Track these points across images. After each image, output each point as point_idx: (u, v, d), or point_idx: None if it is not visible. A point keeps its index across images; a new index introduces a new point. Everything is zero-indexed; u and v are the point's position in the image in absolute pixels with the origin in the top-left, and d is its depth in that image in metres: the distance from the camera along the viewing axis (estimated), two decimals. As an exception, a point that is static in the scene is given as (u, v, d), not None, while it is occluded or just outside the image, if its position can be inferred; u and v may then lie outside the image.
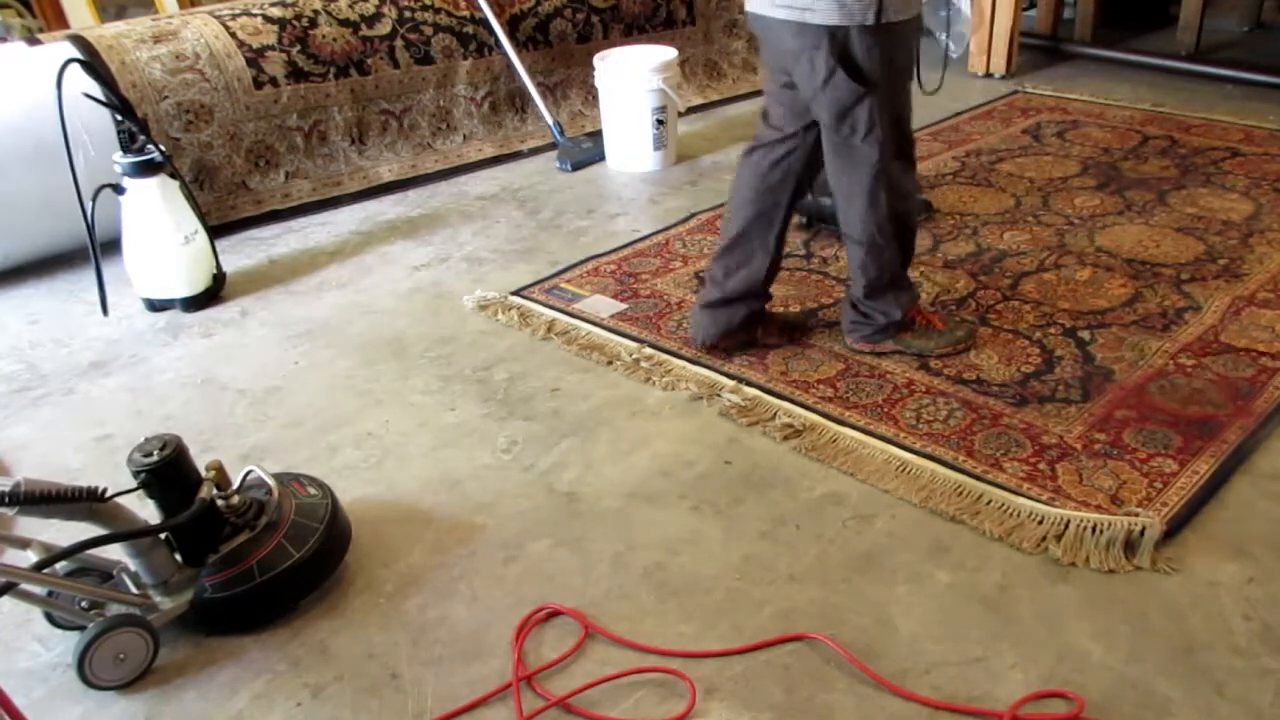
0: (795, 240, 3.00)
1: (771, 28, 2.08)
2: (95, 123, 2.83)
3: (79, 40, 3.16)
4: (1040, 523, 1.82)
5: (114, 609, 1.65)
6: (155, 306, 2.82)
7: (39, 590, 1.64)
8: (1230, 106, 3.97)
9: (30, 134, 2.86)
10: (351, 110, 3.58)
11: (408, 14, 3.70)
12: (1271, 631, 1.58)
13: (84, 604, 1.66)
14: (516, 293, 2.79)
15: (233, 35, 3.37)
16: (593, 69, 3.69)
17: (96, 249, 2.58)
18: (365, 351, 2.56)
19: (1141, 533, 1.75)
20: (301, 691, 1.59)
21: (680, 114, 3.82)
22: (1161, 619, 1.62)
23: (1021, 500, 1.87)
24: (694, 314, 2.43)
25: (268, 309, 2.81)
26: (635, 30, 4.25)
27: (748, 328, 2.39)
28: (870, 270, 2.24)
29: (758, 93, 4.48)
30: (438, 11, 3.77)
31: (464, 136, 3.85)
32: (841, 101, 2.06)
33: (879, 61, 2.01)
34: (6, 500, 1.50)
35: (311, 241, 3.24)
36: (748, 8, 2.14)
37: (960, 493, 1.90)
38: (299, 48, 3.46)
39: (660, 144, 3.64)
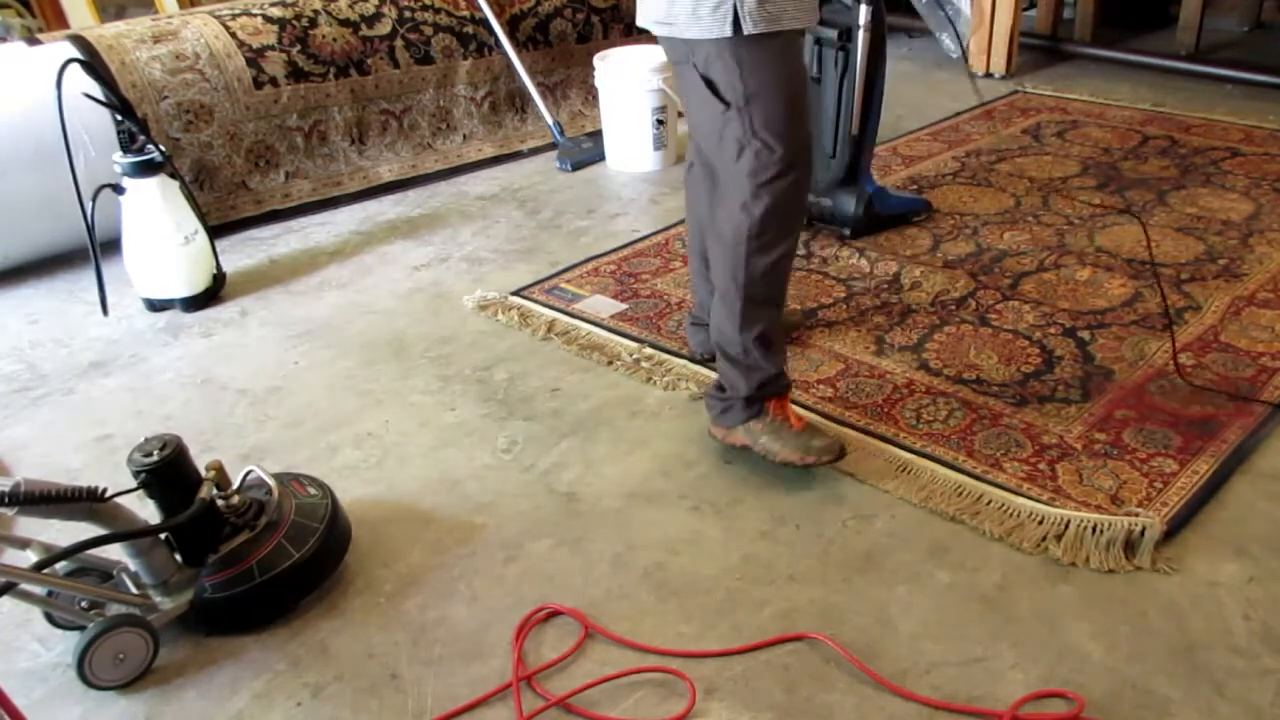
0: (795, 240, 3.00)
1: (661, 43, 1.98)
2: (95, 123, 2.83)
3: (79, 40, 3.16)
4: (1040, 523, 1.82)
5: (114, 609, 1.65)
6: (155, 306, 2.82)
7: (39, 590, 1.64)
8: (1230, 106, 3.97)
9: (30, 134, 2.86)
10: (351, 110, 3.58)
11: (408, 14, 3.70)
12: (1271, 631, 1.58)
13: (84, 604, 1.66)
14: (516, 293, 2.79)
15: (233, 35, 3.37)
16: (593, 69, 3.69)
17: (96, 249, 2.58)
18: (365, 351, 2.56)
19: (1142, 533, 1.75)
20: (301, 691, 1.59)
21: (680, 114, 3.82)
22: (1161, 619, 1.62)
23: (1021, 500, 1.87)
24: (686, 327, 2.41)
25: (268, 309, 2.81)
26: (635, 30, 4.24)
27: None
28: (718, 335, 1.98)
29: (758, 93, 4.48)
30: (438, 11, 3.77)
31: (464, 136, 3.85)
32: (711, 121, 1.86)
33: (742, 78, 1.78)
34: (6, 500, 1.50)
35: (311, 241, 3.24)
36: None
37: (960, 493, 1.91)
38: (299, 48, 3.46)
39: (660, 144, 3.64)
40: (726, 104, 1.80)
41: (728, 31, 1.73)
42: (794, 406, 2.04)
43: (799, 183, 1.87)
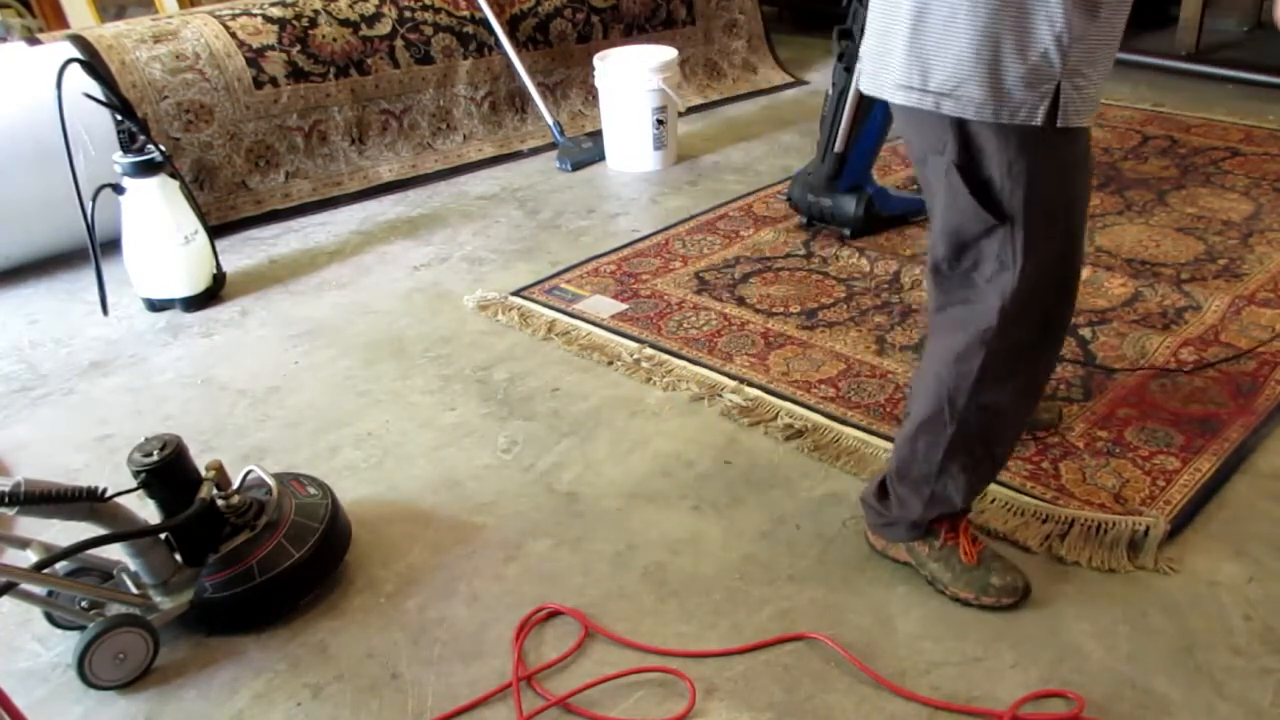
0: (795, 240, 3.00)
1: (898, 114, 1.52)
2: (95, 123, 2.83)
3: (79, 40, 3.16)
4: (1044, 521, 1.81)
5: (114, 609, 1.65)
6: (155, 306, 2.82)
7: (39, 590, 1.64)
8: (1230, 106, 3.97)
9: (30, 134, 2.85)
10: (351, 110, 3.58)
11: (408, 14, 3.70)
12: (1271, 631, 1.58)
13: (84, 604, 1.66)
14: (516, 293, 2.79)
15: (233, 35, 3.37)
16: (593, 69, 3.69)
17: (96, 249, 2.58)
18: (365, 351, 2.56)
19: (1145, 532, 1.75)
20: (301, 691, 1.59)
21: (680, 114, 3.82)
22: (1161, 619, 1.62)
23: (1025, 499, 1.87)
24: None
25: (268, 309, 2.81)
26: (635, 30, 4.25)
27: None
28: (908, 450, 1.65)
29: (758, 93, 4.49)
30: (438, 11, 3.77)
31: (464, 136, 3.85)
32: (962, 234, 1.48)
33: (1030, 182, 1.39)
34: (6, 500, 1.50)
35: (311, 241, 3.24)
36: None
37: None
38: (299, 48, 3.46)
39: (660, 144, 3.64)
40: (1002, 216, 1.44)
41: (1039, 118, 1.34)
42: (968, 527, 1.71)
43: (1060, 336, 1.59)
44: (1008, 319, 1.48)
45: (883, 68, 1.44)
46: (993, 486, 1.89)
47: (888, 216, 2.98)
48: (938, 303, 1.58)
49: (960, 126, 1.39)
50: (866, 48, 1.49)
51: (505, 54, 3.86)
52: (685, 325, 2.56)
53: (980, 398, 1.54)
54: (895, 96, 1.44)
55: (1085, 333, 2.41)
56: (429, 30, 3.74)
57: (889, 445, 2.04)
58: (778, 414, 2.17)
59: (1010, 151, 1.38)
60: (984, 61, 1.33)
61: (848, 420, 2.14)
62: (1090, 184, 1.50)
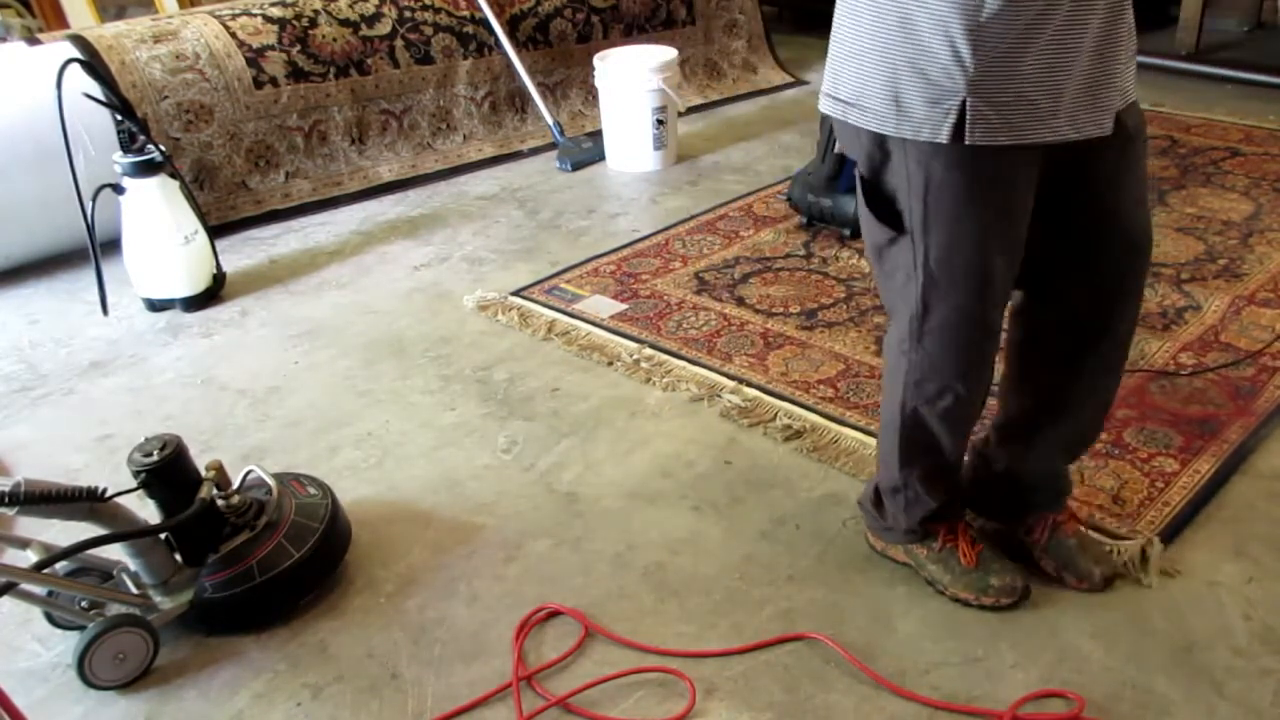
0: (795, 241, 3.00)
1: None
2: (95, 123, 2.83)
3: (79, 40, 3.16)
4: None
5: (114, 609, 1.65)
6: (155, 306, 2.82)
7: (39, 590, 1.64)
8: (1230, 106, 3.97)
9: (30, 134, 2.85)
10: (351, 110, 3.58)
11: (408, 14, 3.70)
12: (1271, 631, 1.58)
13: (84, 604, 1.66)
14: (516, 293, 2.79)
15: (233, 35, 3.37)
16: (593, 69, 3.69)
17: (96, 249, 2.58)
18: (365, 351, 2.56)
19: (1143, 554, 1.72)
20: (301, 691, 1.59)
21: (680, 114, 3.82)
22: (1161, 619, 1.62)
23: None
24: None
25: (268, 309, 2.81)
26: (635, 30, 4.25)
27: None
28: (880, 457, 1.70)
29: (758, 93, 4.49)
30: (438, 11, 3.77)
31: (464, 136, 3.85)
32: (873, 239, 1.50)
33: (930, 199, 1.37)
34: (6, 500, 1.50)
35: (311, 241, 3.24)
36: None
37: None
38: (299, 48, 3.46)
39: (660, 144, 3.64)
40: (900, 229, 1.44)
41: (943, 135, 1.32)
42: (966, 528, 1.72)
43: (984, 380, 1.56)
44: (917, 332, 1.48)
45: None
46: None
47: (888, 216, 2.98)
48: (885, 306, 1.58)
49: (868, 136, 1.39)
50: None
51: (505, 54, 3.86)
52: (685, 325, 2.57)
53: (914, 413, 1.56)
54: (821, 103, 1.47)
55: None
56: (429, 30, 3.74)
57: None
58: (776, 414, 2.17)
59: (910, 165, 1.36)
60: (883, 75, 1.33)
61: (846, 421, 2.14)
62: (1023, 208, 1.41)
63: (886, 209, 1.43)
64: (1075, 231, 1.47)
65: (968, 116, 1.29)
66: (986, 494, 1.76)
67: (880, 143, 1.39)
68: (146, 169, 2.64)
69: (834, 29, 1.43)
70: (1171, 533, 1.78)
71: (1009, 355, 1.65)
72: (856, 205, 1.50)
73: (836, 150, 2.86)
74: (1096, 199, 1.45)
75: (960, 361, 1.51)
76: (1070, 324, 1.54)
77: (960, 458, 1.67)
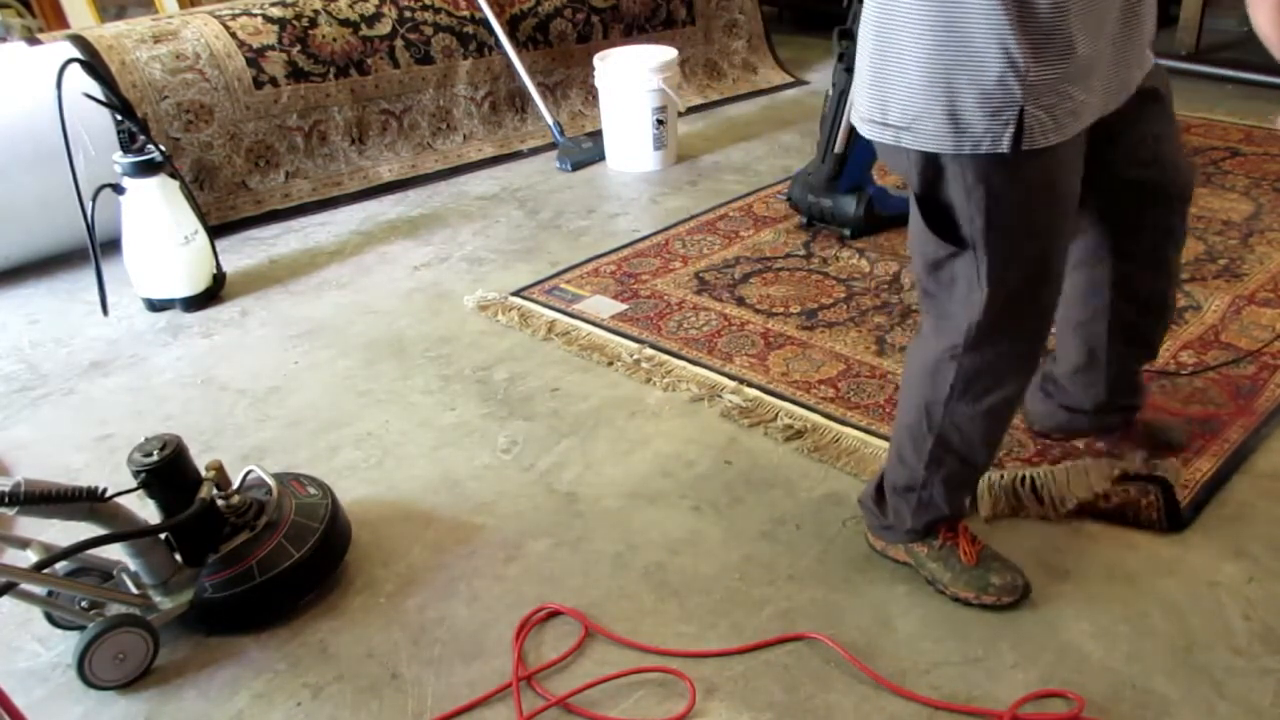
0: (795, 241, 3.00)
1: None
2: (95, 123, 2.83)
3: (79, 40, 3.16)
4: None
5: (114, 609, 1.65)
6: (155, 306, 2.82)
7: (39, 590, 1.64)
8: (1230, 106, 3.97)
9: (30, 134, 2.86)
10: (351, 110, 3.58)
11: (408, 14, 3.70)
12: (1271, 631, 1.58)
13: (84, 604, 1.66)
14: (516, 293, 2.79)
15: (233, 35, 3.37)
16: (593, 69, 3.69)
17: (96, 249, 2.58)
18: (365, 351, 2.56)
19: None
20: (301, 691, 1.59)
21: (680, 114, 3.82)
22: (1161, 619, 1.62)
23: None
24: (1029, 394, 1.91)
25: (268, 309, 2.81)
26: (635, 30, 4.25)
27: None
28: (895, 457, 1.69)
29: (758, 93, 4.49)
30: (438, 11, 3.77)
31: (464, 136, 3.85)
32: (928, 255, 1.49)
33: (991, 209, 1.38)
34: (6, 500, 1.50)
35: (311, 241, 3.24)
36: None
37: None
38: (299, 48, 3.46)
39: (660, 144, 3.64)
40: (962, 244, 1.44)
41: (1004, 146, 1.32)
42: (966, 528, 1.72)
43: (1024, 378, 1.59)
44: (975, 339, 1.48)
45: (857, 101, 1.46)
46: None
47: (888, 216, 2.98)
48: (923, 310, 1.59)
49: (922, 157, 1.38)
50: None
51: (505, 54, 3.86)
52: (685, 325, 2.57)
53: (953, 414, 1.56)
54: (863, 130, 1.46)
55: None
56: (429, 30, 3.74)
57: (888, 446, 2.03)
58: (777, 414, 2.17)
59: (969, 179, 1.36)
60: (938, 94, 1.31)
61: (847, 421, 2.14)
62: (1074, 193, 1.46)
63: (943, 224, 1.43)
64: (1133, 184, 1.61)
65: (1025, 123, 1.30)
66: (1077, 426, 1.93)
67: (934, 160, 1.38)
68: (146, 169, 2.64)
69: (869, 50, 1.39)
70: (1171, 531, 1.77)
71: (1100, 293, 1.73)
72: (909, 221, 1.49)
73: (837, 151, 2.86)
74: (1145, 151, 1.58)
75: (1023, 357, 1.54)
76: (1150, 252, 1.69)
77: (988, 463, 1.68)
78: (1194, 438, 2.01)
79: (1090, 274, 1.72)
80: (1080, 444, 1.97)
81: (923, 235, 1.46)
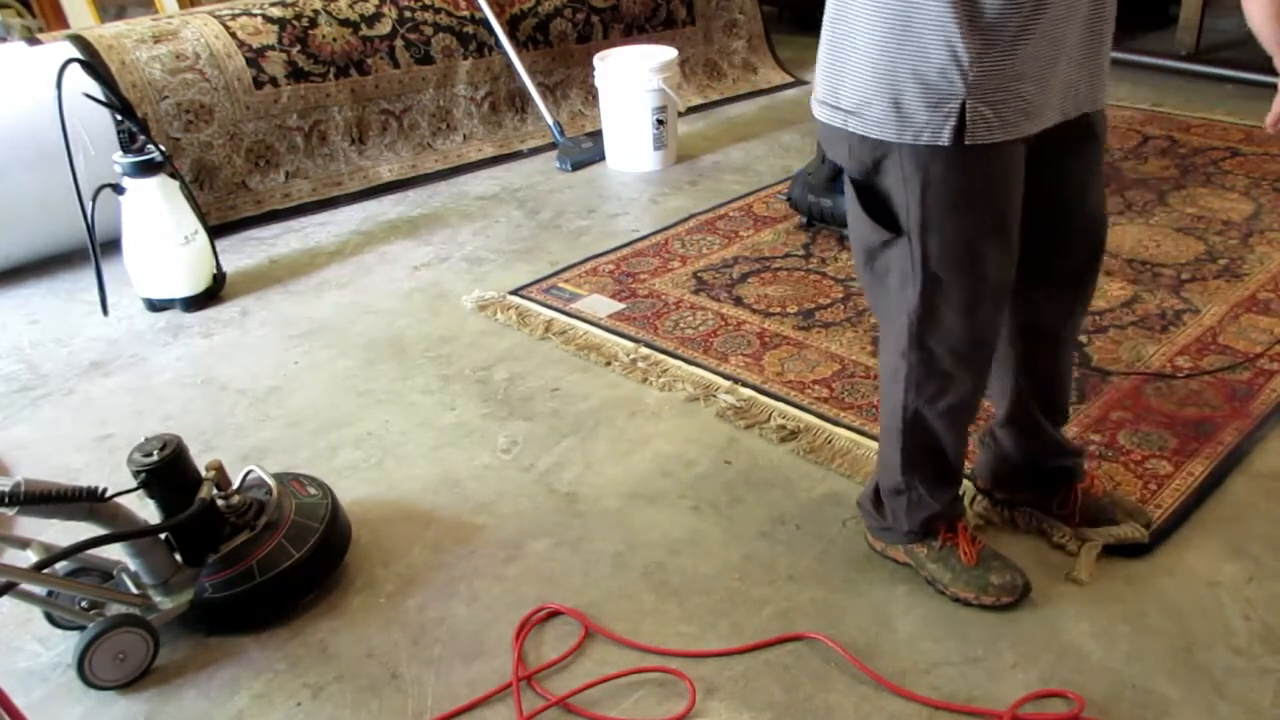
0: (795, 241, 3.00)
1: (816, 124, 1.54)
2: (95, 123, 2.83)
3: (79, 40, 3.16)
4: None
5: (114, 609, 1.65)
6: (155, 306, 2.82)
7: (39, 590, 1.64)
8: (1230, 106, 3.97)
9: (30, 134, 2.86)
10: (351, 110, 3.58)
11: (408, 14, 3.70)
12: (1271, 631, 1.58)
13: (84, 604, 1.66)
14: (515, 292, 2.79)
15: (233, 35, 3.37)
16: (593, 69, 3.69)
17: (96, 249, 2.58)
18: (365, 351, 2.56)
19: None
20: (301, 691, 1.59)
21: (680, 114, 3.82)
22: (1161, 619, 1.62)
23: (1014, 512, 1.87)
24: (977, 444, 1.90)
25: (268, 309, 2.81)
26: (635, 30, 4.25)
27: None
28: (881, 460, 1.72)
29: (758, 93, 4.49)
30: (438, 11, 3.77)
31: (464, 136, 3.85)
32: (865, 242, 1.50)
33: (927, 199, 1.38)
34: (6, 500, 1.50)
35: (311, 241, 3.24)
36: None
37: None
38: (299, 48, 3.46)
39: (660, 144, 3.64)
40: (897, 230, 1.45)
41: (945, 138, 1.34)
42: (966, 527, 1.71)
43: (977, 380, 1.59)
44: (916, 336, 1.49)
45: (815, 82, 1.49)
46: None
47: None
48: (874, 313, 1.61)
49: (861, 141, 1.40)
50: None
51: (505, 54, 3.86)
52: (682, 325, 2.57)
53: (916, 415, 1.58)
54: (816, 111, 1.48)
55: (1082, 337, 2.41)
56: (429, 30, 3.74)
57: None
58: (771, 415, 2.17)
59: (908, 168, 1.37)
60: (885, 83, 1.34)
61: (840, 421, 2.14)
62: (1015, 196, 1.44)
63: (880, 210, 1.44)
64: (1054, 217, 1.53)
65: (967, 118, 1.32)
66: (1014, 482, 1.81)
67: (875, 147, 1.39)
68: (146, 169, 2.64)
69: (827, 37, 1.43)
70: (1163, 535, 1.78)
71: (1007, 345, 1.67)
72: (848, 211, 1.51)
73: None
74: (1074, 188, 1.53)
75: (962, 359, 1.53)
76: (1057, 300, 1.62)
77: (962, 457, 1.69)
78: (1188, 440, 2.01)
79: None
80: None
81: (860, 222, 1.48)
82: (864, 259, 1.52)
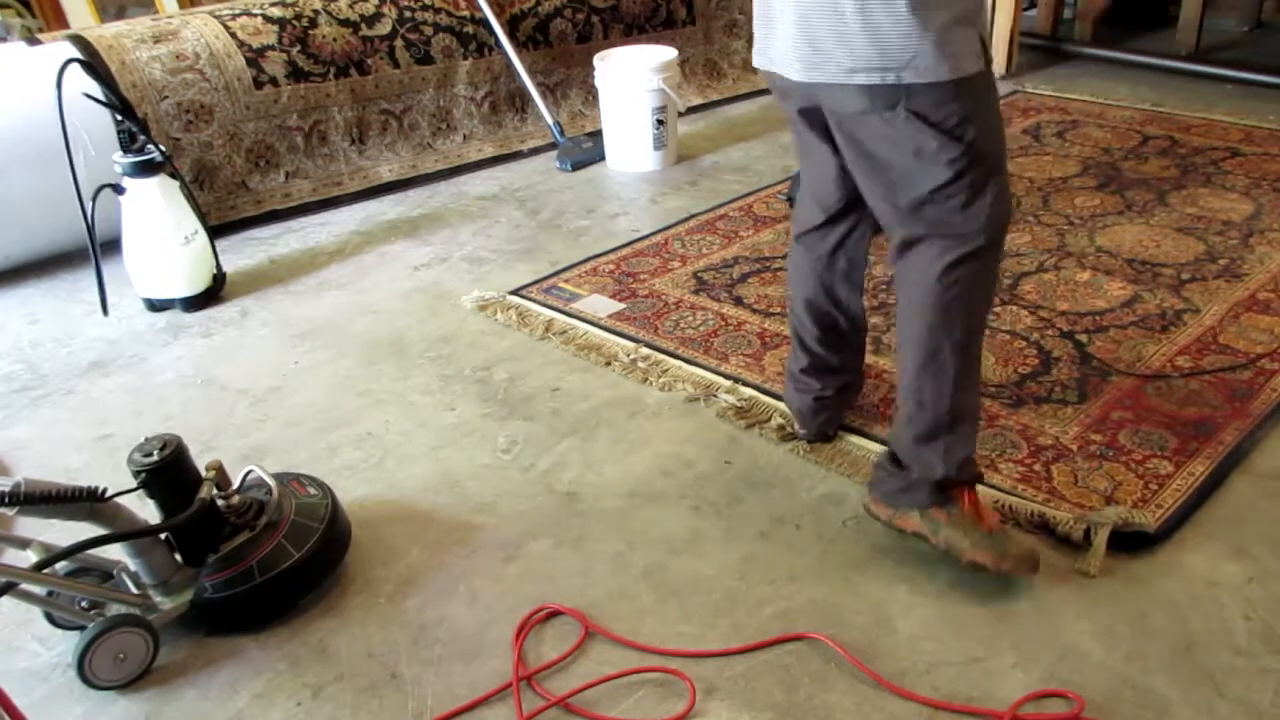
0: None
1: (830, 93, 1.61)
2: (95, 123, 2.83)
3: (79, 40, 3.16)
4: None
5: (114, 609, 1.65)
6: (155, 306, 2.82)
7: (39, 590, 1.64)
8: (1230, 106, 3.97)
9: (30, 134, 2.86)
10: (351, 110, 3.58)
11: (408, 14, 3.70)
12: (1271, 631, 1.58)
13: (84, 604, 1.66)
14: (515, 292, 2.79)
15: (233, 35, 3.37)
16: (593, 69, 3.69)
17: (96, 249, 2.58)
18: (365, 351, 2.56)
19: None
20: (302, 691, 1.59)
21: (680, 114, 3.82)
22: (1161, 619, 1.62)
23: (1017, 500, 1.87)
24: (793, 393, 2.08)
25: (268, 309, 2.82)
26: (635, 30, 4.25)
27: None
28: (910, 418, 1.70)
29: (758, 93, 4.49)
30: (438, 11, 3.77)
31: (464, 136, 3.85)
32: (935, 182, 1.60)
33: (978, 119, 1.57)
34: (6, 500, 1.50)
35: (311, 241, 3.24)
36: (789, 75, 1.64)
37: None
38: (299, 48, 3.46)
39: (660, 144, 3.64)
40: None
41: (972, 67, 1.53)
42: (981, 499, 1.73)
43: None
44: (990, 237, 1.62)
45: (825, 58, 1.55)
46: (983, 488, 1.89)
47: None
48: (923, 241, 1.65)
49: (910, 89, 1.52)
50: (788, 43, 1.60)
51: (505, 54, 3.86)
52: (682, 325, 2.57)
53: (977, 320, 1.68)
54: (854, 79, 1.53)
55: (1083, 337, 2.41)
56: (429, 30, 3.74)
57: (881, 448, 2.03)
58: (771, 415, 2.17)
59: (961, 98, 1.52)
60: (931, 32, 1.47)
61: (841, 421, 2.13)
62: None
63: (948, 139, 1.55)
64: None
65: (985, 45, 1.56)
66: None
67: (928, 89, 1.52)
68: (146, 169, 2.64)
69: (858, 7, 1.49)
70: (1164, 535, 1.78)
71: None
72: (897, 168, 1.61)
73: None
74: None
75: (1002, 247, 1.70)
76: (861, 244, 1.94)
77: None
78: (1188, 440, 2.01)
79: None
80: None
81: (929, 165, 1.57)
82: (935, 197, 1.59)
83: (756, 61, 1.74)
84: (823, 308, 1.95)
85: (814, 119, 1.72)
